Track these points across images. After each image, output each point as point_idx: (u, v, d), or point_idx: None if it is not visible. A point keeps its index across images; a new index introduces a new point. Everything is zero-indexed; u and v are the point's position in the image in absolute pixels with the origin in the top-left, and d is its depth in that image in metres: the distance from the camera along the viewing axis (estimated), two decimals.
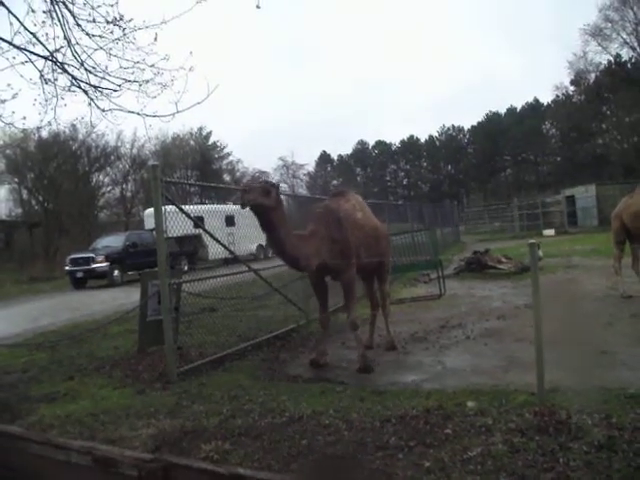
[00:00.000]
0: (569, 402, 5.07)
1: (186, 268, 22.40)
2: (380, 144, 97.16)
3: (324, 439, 4.79)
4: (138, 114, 8.94)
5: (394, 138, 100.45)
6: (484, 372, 6.80)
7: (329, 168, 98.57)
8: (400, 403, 5.54)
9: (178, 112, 8.67)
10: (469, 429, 4.66)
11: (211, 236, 9.19)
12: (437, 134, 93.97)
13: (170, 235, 7.90)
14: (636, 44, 52.56)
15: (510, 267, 15.92)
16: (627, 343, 7.54)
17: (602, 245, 18.50)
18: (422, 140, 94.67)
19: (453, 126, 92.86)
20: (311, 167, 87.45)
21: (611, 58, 54.85)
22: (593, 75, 56.07)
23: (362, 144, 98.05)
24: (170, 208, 7.85)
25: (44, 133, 38.02)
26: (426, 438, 4.56)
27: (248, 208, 6.38)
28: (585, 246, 22.19)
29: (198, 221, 9.20)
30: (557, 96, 65.80)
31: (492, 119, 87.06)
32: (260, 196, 6.33)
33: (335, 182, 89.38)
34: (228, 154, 66.68)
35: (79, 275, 23.88)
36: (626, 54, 54.71)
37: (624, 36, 52.43)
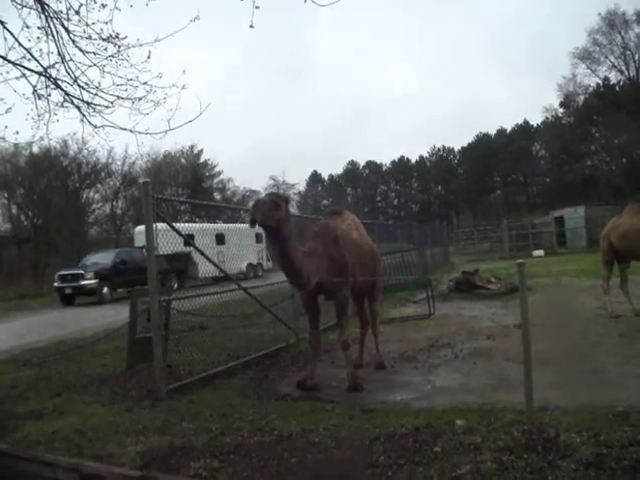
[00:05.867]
0: (558, 420, 5.09)
1: (176, 286, 22.34)
2: (371, 164, 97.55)
3: (313, 457, 4.77)
4: (130, 131, 8.96)
5: (385, 158, 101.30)
6: (473, 391, 6.83)
7: (320, 188, 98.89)
8: (389, 421, 5.53)
9: (170, 130, 8.69)
10: (458, 447, 4.66)
11: (202, 254, 9.20)
12: (427, 155, 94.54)
13: (160, 252, 7.89)
14: (624, 67, 53.47)
15: (499, 287, 15.98)
16: (615, 362, 7.61)
17: (591, 266, 18.61)
18: (413, 161, 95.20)
19: (443, 147, 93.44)
20: (302, 187, 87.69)
21: (600, 81, 55.75)
22: (582, 97, 56.81)
23: (353, 164, 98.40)
24: (161, 226, 7.83)
25: (35, 148, 38.06)
26: (415, 456, 4.55)
27: (248, 225, 6.35)
28: (574, 266, 22.30)
29: (189, 239, 9.21)
30: (546, 118, 66.53)
31: (482, 140, 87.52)
32: (269, 212, 6.27)
33: (325, 202, 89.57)
34: (219, 173, 66.60)
35: (68, 292, 23.74)
36: (614, 77, 55.71)
37: (612, 59, 53.46)
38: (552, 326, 10.43)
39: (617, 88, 55.95)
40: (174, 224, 8.83)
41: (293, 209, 67.10)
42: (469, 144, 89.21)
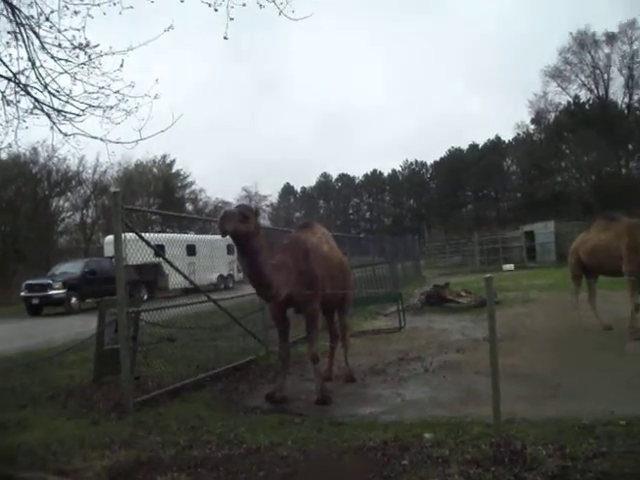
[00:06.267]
0: (525, 433, 5.14)
1: (145, 297, 22.16)
2: (343, 177, 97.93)
3: (281, 470, 4.75)
4: (101, 140, 8.92)
5: (357, 172, 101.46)
6: (442, 404, 6.86)
7: (292, 200, 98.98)
8: (358, 435, 5.53)
9: (142, 139, 8.68)
10: (426, 460, 4.67)
11: (171, 265, 9.13)
12: (400, 169, 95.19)
13: (130, 263, 7.82)
14: (594, 86, 54.56)
15: (469, 301, 16.07)
16: (582, 375, 7.73)
17: (560, 280, 18.78)
18: (385, 174, 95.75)
19: (416, 161, 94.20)
20: (274, 199, 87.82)
21: (570, 99, 56.74)
22: (553, 115, 57.80)
23: (325, 177, 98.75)
24: (130, 236, 7.78)
25: (3, 155, 37.58)
26: (383, 470, 4.55)
27: (220, 236, 6.35)
28: (543, 281, 22.51)
29: (159, 250, 9.14)
30: (518, 134, 67.41)
31: (454, 155, 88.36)
32: (239, 223, 6.27)
33: (298, 214, 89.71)
34: (191, 183, 66.49)
35: (35, 302, 23.44)
36: (584, 95, 56.84)
37: (582, 78, 54.63)
38: (521, 340, 10.53)
39: (587, 106, 57.03)
40: (144, 234, 8.77)
41: (265, 221, 67.11)
42: (441, 158, 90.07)
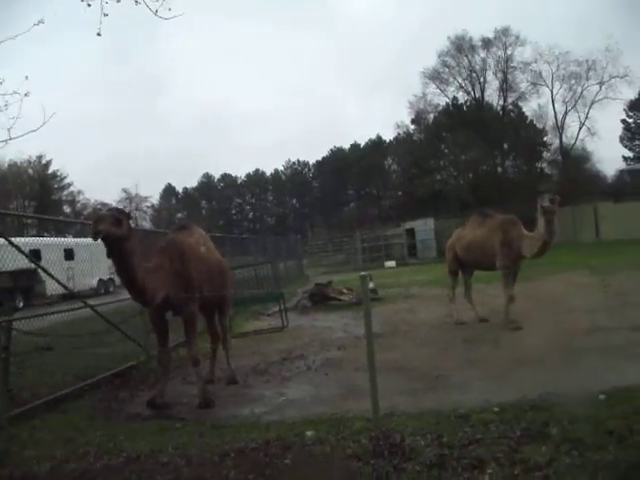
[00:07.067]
0: (404, 425, 5.31)
1: (21, 304, 21.20)
2: (226, 177, 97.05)
3: (162, 477, 4.70)
4: None
5: (240, 172, 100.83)
6: (324, 401, 6.97)
7: (174, 201, 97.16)
8: (240, 436, 5.55)
9: (11, 139, 8.27)
10: (308, 458, 4.74)
11: (44, 271, 8.80)
12: (283, 168, 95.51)
13: (2, 269, 7.49)
14: (471, 89, 56.74)
15: (351, 298, 16.25)
16: (459, 366, 8.03)
17: (440, 275, 19.34)
18: (268, 174, 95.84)
19: (298, 161, 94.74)
20: (155, 200, 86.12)
21: (448, 100, 58.69)
22: (432, 115, 59.56)
23: (208, 177, 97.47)
24: (1, 241, 7.45)
25: None
26: (265, 470, 4.59)
27: (98, 239, 6.18)
28: (423, 276, 23.11)
29: (35, 254, 8.81)
30: (398, 134, 68.69)
31: (336, 154, 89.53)
32: (111, 226, 6.11)
33: (180, 215, 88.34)
34: (69, 184, 64.35)
35: None
36: (462, 97, 58.84)
37: (460, 81, 56.56)
38: (402, 335, 10.83)
39: (464, 108, 59.12)
40: (18, 239, 8.41)
41: (146, 223, 65.91)
42: (324, 158, 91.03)
